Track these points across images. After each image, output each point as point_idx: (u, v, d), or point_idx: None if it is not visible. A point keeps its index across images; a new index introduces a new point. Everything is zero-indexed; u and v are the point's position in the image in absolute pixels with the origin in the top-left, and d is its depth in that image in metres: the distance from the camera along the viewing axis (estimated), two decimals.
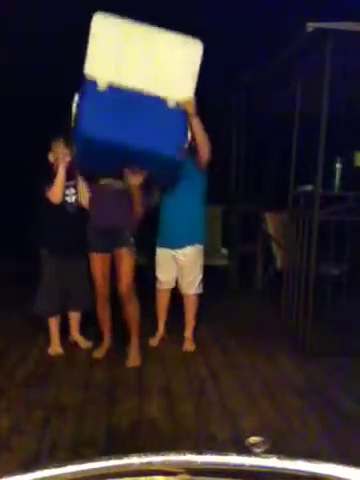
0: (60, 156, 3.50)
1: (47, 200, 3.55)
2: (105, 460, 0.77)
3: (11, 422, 2.64)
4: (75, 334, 3.88)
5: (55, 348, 3.73)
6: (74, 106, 3.01)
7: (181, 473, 0.78)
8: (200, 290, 3.93)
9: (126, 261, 3.49)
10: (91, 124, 2.93)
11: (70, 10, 4.81)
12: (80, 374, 3.36)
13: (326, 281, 4.79)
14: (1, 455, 2.31)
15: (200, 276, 3.90)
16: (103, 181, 3.46)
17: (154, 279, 3.97)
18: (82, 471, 0.76)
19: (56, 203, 3.54)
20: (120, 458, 0.77)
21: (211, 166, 3.74)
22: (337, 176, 4.18)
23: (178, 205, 3.72)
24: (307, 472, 0.76)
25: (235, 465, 0.78)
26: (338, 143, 4.34)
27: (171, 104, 3.08)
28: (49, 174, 3.55)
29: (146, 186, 3.38)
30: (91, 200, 3.54)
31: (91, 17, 2.90)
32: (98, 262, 3.55)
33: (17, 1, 5.02)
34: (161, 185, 3.66)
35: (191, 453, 0.79)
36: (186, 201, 3.71)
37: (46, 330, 3.79)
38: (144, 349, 3.71)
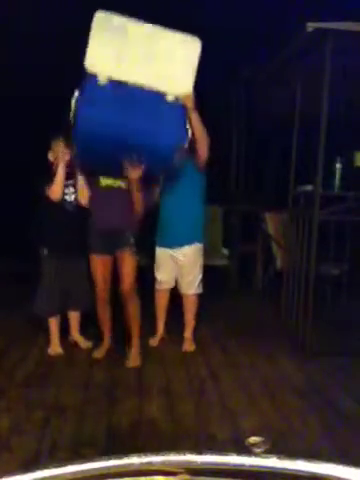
0: (60, 155, 3.51)
1: (47, 198, 3.55)
2: (105, 460, 0.77)
3: (11, 422, 2.64)
4: (75, 334, 3.88)
5: (55, 348, 3.73)
6: (73, 102, 3.02)
7: (181, 473, 0.78)
8: (200, 290, 3.92)
9: (128, 262, 3.49)
10: (90, 117, 2.96)
11: (70, 10, 4.81)
12: (80, 374, 3.36)
13: (326, 281, 4.79)
14: (1, 455, 2.31)
15: (200, 276, 3.90)
16: (104, 182, 3.46)
17: (153, 279, 3.97)
18: (82, 471, 0.76)
19: (56, 200, 3.55)
20: (120, 458, 0.77)
21: (211, 165, 3.74)
22: (337, 176, 4.17)
23: (177, 204, 3.72)
24: (307, 472, 0.76)
25: (235, 465, 0.78)
26: (338, 143, 4.33)
27: (170, 98, 3.11)
28: (49, 173, 3.56)
29: (146, 185, 3.38)
30: (92, 201, 3.53)
31: (91, 17, 2.95)
32: (99, 265, 3.54)
33: (17, 1, 5.02)
34: (162, 175, 3.61)
35: (191, 453, 0.79)
36: (185, 200, 3.71)
37: (46, 330, 3.79)
38: (144, 349, 3.71)
